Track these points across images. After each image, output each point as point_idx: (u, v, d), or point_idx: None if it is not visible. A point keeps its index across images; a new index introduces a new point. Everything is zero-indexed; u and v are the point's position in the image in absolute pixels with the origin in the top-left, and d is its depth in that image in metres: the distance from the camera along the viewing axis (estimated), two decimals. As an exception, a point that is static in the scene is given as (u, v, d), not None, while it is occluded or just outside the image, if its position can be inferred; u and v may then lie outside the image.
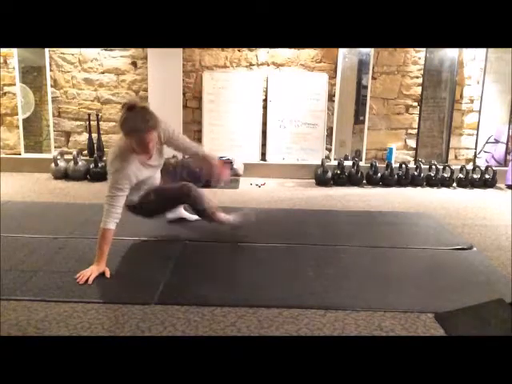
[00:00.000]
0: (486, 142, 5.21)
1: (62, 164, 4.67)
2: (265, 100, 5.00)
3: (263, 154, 5.07)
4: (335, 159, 5.03)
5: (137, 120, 2.26)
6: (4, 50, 4.89)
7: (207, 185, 2.98)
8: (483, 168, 4.83)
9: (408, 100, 5.09)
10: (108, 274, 2.23)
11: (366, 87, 5.02)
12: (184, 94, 4.99)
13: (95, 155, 4.76)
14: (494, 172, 4.77)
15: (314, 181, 4.80)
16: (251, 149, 5.04)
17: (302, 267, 2.42)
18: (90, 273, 2.18)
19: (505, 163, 5.08)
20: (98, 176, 4.56)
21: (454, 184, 4.81)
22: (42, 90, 5.01)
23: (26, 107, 5.01)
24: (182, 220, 3.13)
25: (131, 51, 4.95)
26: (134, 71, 5.00)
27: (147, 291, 2.09)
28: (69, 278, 2.19)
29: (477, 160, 5.16)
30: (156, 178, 2.72)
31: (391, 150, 5.07)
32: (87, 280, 2.15)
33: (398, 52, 4.98)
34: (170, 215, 3.10)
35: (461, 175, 4.80)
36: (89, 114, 4.94)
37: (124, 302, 1.98)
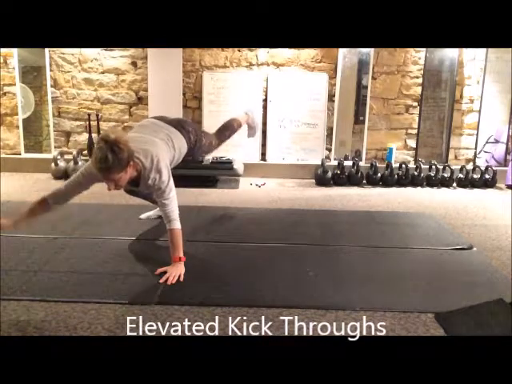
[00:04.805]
0: (486, 142, 5.20)
1: (61, 164, 4.67)
2: (265, 100, 5.00)
3: (263, 154, 5.07)
4: (335, 159, 5.03)
5: (98, 157, 2.01)
6: (4, 50, 4.89)
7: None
8: (483, 168, 4.82)
9: (408, 100, 5.09)
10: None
11: (366, 87, 5.01)
12: (184, 94, 4.99)
13: (95, 155, 4.75)
14: (494, 172, 4.76)
15: (314, 181, 4.79)
16: (251, 149, 5.03)
17: (302, 267, 2.42)
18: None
19: (505, 163, 5.08)
20: (98, 176, 4.57)
21: (454, 184, 4.80)
22: (42, 90, 5.01)
23: (26, 107, 5.01)
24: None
25: (131, 51, 4.95)
26: (134, 71, 5.00)
27: (147, 291, 2.09)
28: (69, 278, 2.18)
29: (477, 160, 5.16)
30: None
31: (391, 150, 5.06)
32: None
33: (398, 52, 4.97)
34: (143, 215, 3.15)
35: (461, 175, 4.79)
36: (89, 114, 4.94)
37: (124, 301, 1.98)
